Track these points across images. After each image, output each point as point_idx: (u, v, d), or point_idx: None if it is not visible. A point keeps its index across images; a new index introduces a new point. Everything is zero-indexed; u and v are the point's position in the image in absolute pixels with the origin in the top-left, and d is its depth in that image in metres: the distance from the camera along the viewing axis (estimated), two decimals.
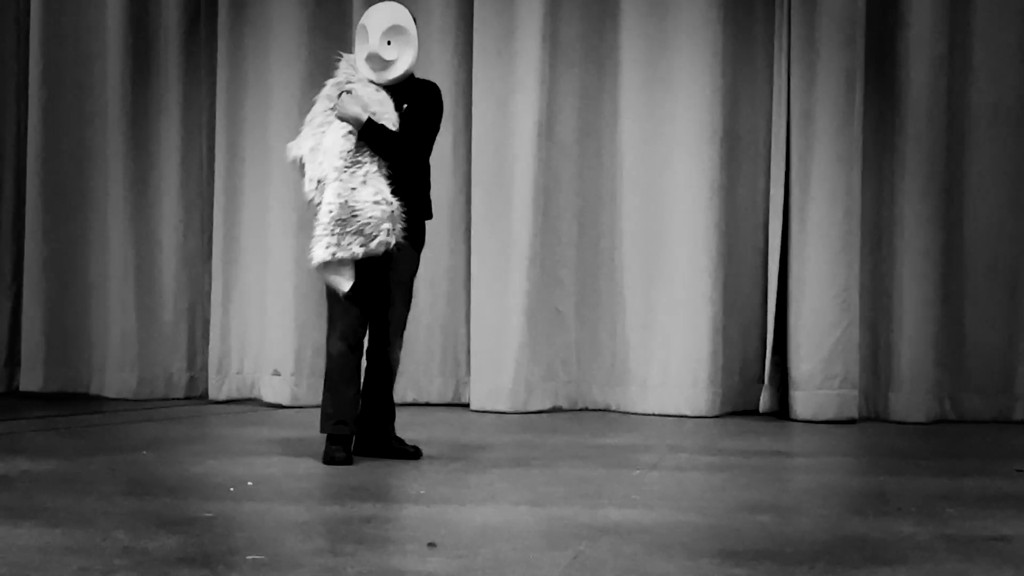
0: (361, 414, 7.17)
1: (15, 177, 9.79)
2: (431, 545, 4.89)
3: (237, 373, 9.55)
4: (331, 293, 7.00)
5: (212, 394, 9.52)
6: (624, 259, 9.22)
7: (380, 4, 7.08)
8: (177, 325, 9.65)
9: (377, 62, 6.89)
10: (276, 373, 9.34)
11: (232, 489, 6.07)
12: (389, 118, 6.86)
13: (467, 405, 9.27)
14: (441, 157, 9.46)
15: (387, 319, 7.08)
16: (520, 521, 5.49)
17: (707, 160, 9.08)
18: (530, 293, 9.18)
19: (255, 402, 9.36)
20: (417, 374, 9.44)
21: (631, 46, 9.20)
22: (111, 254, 9.60)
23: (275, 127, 9.42)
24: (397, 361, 7.18)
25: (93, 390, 9.63)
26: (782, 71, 9.09)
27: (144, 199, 9.60)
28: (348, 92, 6.89)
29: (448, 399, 9.43)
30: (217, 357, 9.55)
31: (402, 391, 9.39)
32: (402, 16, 6.97)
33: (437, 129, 7.05)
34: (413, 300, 7.21)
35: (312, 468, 6.88)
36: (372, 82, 6.94)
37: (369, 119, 6.81)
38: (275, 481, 6.41)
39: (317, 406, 9.14)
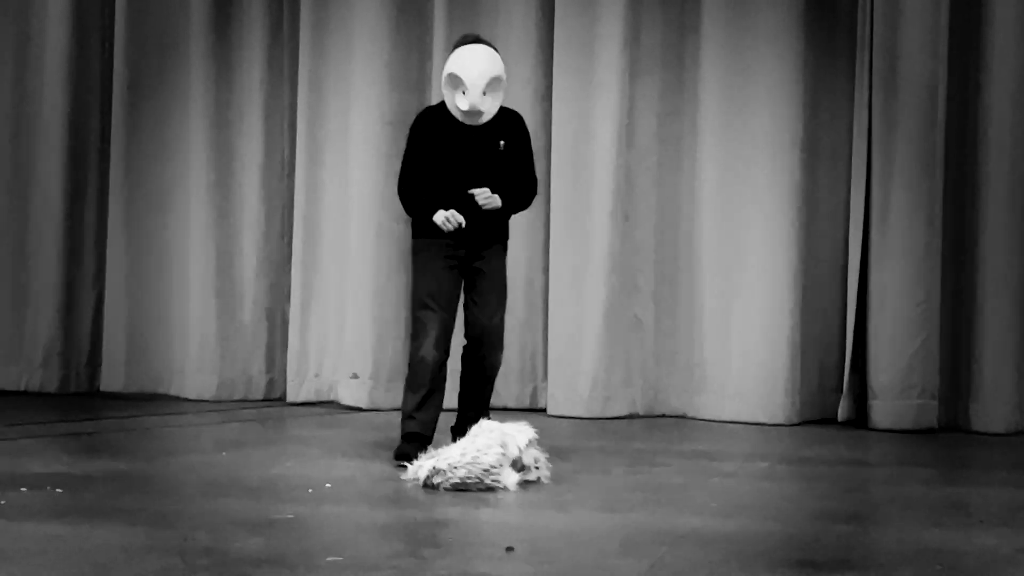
0: (457, 419, 7.24)
1: (98, 179, 9.87)
2: (509, 550, 4.90)
3: (315, 376, 9.59)
4: (419, 298, 7.03)
5: (290, 396, 9.56)
6: (703, 266, 9.20)
7: (472, 50, 7.06)
8: (257, 327, 9.70)
9: (476, 115, 6.98)
10: (354, 376, 9.38)
11: (311, 491, 6.10)
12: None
13: (544, 410, 9.27)
14: None
15: (484, 324, 7.12)
16: (598, 527, 5.50)
17: (787, 168, 9.04)
18: (608, 299, 9.17)
19: (333, 405, 9.40)
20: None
21: (711, 53, 9.17)
22: (192, 256, 9.66)
23: (356, 131, 9.45)
24: (496, 367, 7.23)
25: (173, 391, 9.70)
26: (863, 78, 9.03)
27: (226, 202, 9.66)
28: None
29: (525, 404, 9.43)
30: (296, 360, 9.59)
31: None
32: (498, 66, 7.03)
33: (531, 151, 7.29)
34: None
35: (390, 471, 6.90)
36: (449, 116, 7.04)
37: (504, 203, 7.04)
38: (353, 484, 6.44)
39: (395, 409, 9.17)
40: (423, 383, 7.03)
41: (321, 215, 9.57)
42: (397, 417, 8.91)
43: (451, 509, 5.77)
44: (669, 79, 9.29)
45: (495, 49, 7.14)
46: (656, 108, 9.29)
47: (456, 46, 7.16)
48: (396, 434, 8.24)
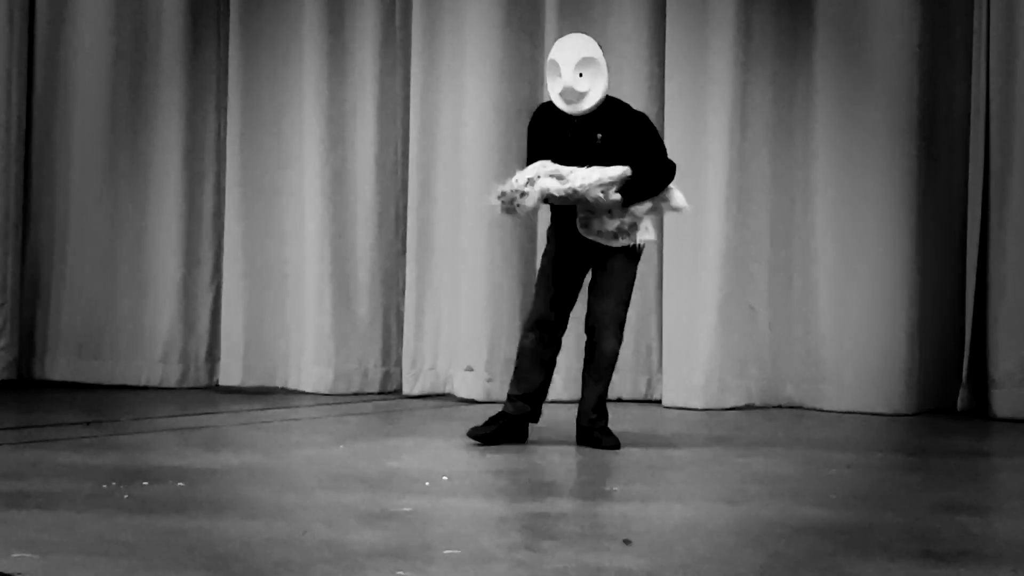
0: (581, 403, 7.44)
1: (215, 176, 9.97)
2: (626, 542, 4.90)
3: (431, 369, 9.62)
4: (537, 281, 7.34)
5: (406, 389, 9.61)
6: (818, 255, 9.13)
7: (567, 37, 7.40)
8: (372, 321, 9.75)
9: (572, 95, 7.16)
10: (469, 369, 9.40)
11: (428, 484, 6.13)
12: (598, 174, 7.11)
13: (659, 401, 9.25)
14: None
15: (598, 310, 7.29)
16: (715, 518, 5.48)
17: (903, 156, 8.95)
18: (723, 289, 9.13)
19: (449, 397, 9.44)
20: None
21: (826, 39, 9.09)
22: (307, 251, 9.73)
23: (469, 124, 9.47)
24: (606, 354, 7.34)
25: (290, 385, 9.77)
26: (980, 67, 8.92)
27: (340, 196, 9.71)
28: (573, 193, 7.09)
29: (640, 395, 9.41)
30: (411, 353, 9.63)
31: None
32: (591, 47, 7.23)
33: (655, 129, 7.49)
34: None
35: (506, 463, 6.92)
36: (560, 113, 7.23)
37: (622, 194, 7.12)
38: (470, 476, 6.46)
39: None
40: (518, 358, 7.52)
41: (435, 208, 9.60)
42: None
43: (567, 502, 5.77)
44: (782, 69, 9.22)
45: (595, 41, 7.32)
46: (769, 98, 9.22)
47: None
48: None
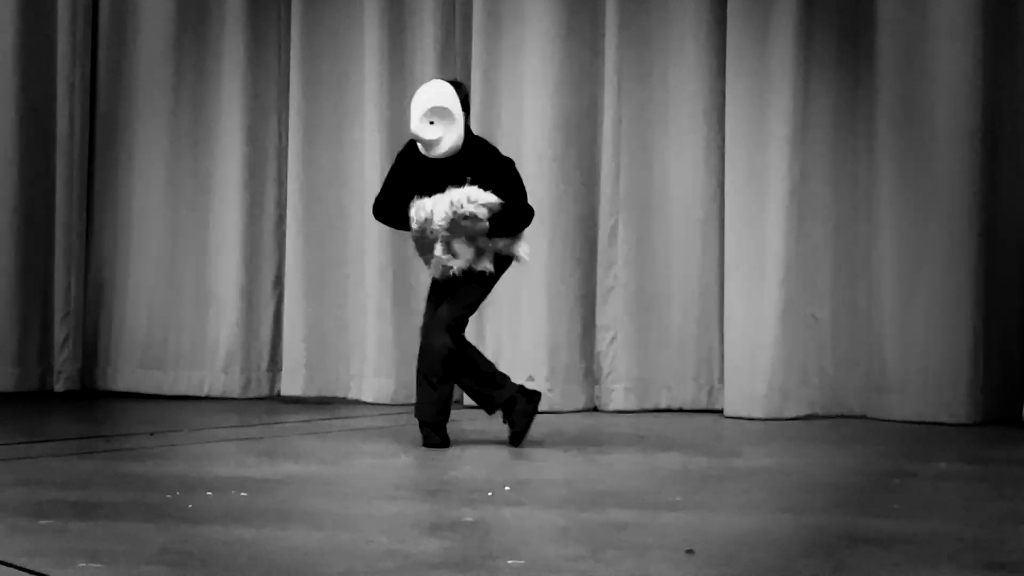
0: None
1: (277, 186, 10.01)
2: (689, 552, 4.88)
3: None
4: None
5: (467, 399, 9.60)
6: (882, 264, 9.07)
7: (426, 84, 7.72)
8: None
9: (422, 142, 7.50)
10: (530, 379, 9.39)
11: (490, 494, 6.13)
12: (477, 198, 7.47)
13: (721, 411, 9.22)
14: (694, 162, 9.43)
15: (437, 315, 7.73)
16: (779, 528, 5.45)
17: (967, 162, 8.88)
18: (784, 299, 9.09)
19: None
20: (670, 380, 9.41)
21: (887, 47, 9.04)
22: (368, 261, 9.75)
23: (529, 132, 9.46)
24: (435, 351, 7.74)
25: (351, 395, 9.79)
26: None
27: None
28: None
29: (702, 405, 9.39)
30: None
31: (655, 396, 9.38)
32: (444, 97, 7.50)
33: (519, 175, 7.73)
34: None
35: (568, 473, 6.92)
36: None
37: (489, 222, 7.48)
38: (533, 486, 6.46)
39: (573, 411, 9.23)
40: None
41: None
42: (574, 419, 8.98)
43: (630, 511, 5.76)
44: (843, 77, 9.18)
45: (455, 85, 7.64)
46: (831, 107, 9.18)
47: None
48: (573, 435, 8.27)
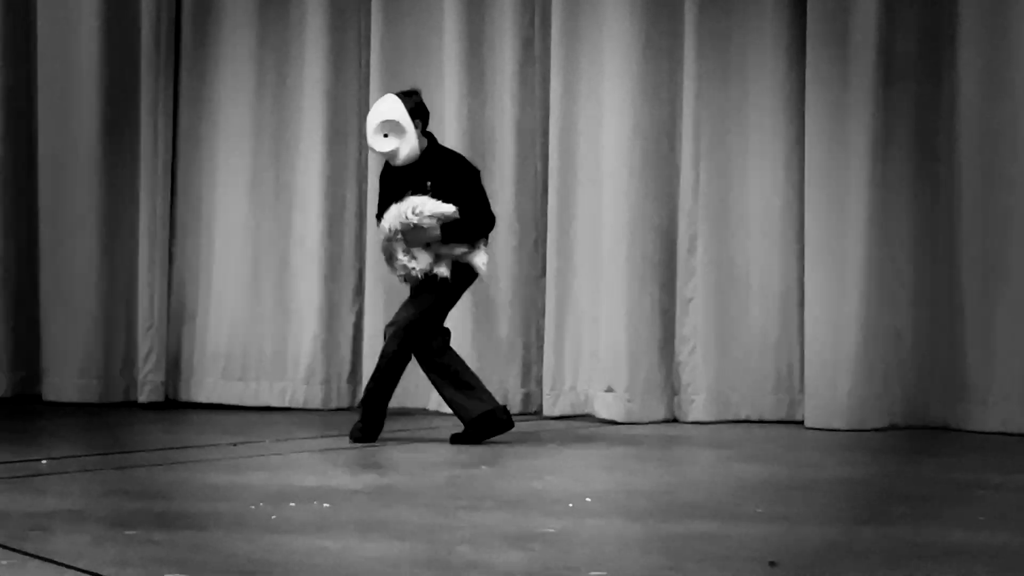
0: None
1: (356, 199, 10.06)
2: (772, 564, 4.87)
3: (571, 389, 9.62)
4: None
5: (547, 410, 9.61)
6: (963, 275, 9.01)
7: (378, 101, 8.35)
8: (512, 342, 9.77)
9: (386, 156, 8.12)
10: (610, 389, 9.40)
11: (571, 505, 6.14)
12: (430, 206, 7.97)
13: (801, 422, 9.18)
14: (774, 172, 9.41)
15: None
16: (861, 540, 5.43)
17: None
18: (864, 310, 9.04)
19: (589, 418, 9.43)
20: (750, 391, 9.39)
21: (969, 60, 8.98)
22: None
23: (607, 143, 9.47)
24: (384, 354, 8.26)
25: (431, 406, 9.81)
26: None
27: None
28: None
29: (782, 416, 9.35)
30: (551, 373, 9.64)
31: (735, 407, 9.36)
32: (392, 111, 8.11)
33: (481, 185, 8.27)
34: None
35: (649, 484, 6.92)
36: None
37: (441, 229, 7.95)
38: (613, 497, 6.47)
39: (653, 422, 9.22)
40: None
41: (574, 229, 9.61)
42: (653, 430, 8.98)
43: (711, 522, 5.75)
44: (925, 90, 9.12)
45: (408, 95, 8.25)
46: (912, 118, 9.13)
47: None
48: (653, 446, 8.27)
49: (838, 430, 8.95)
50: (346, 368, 10.03)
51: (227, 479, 6.84)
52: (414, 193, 8.03)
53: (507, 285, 9.79)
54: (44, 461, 7.45)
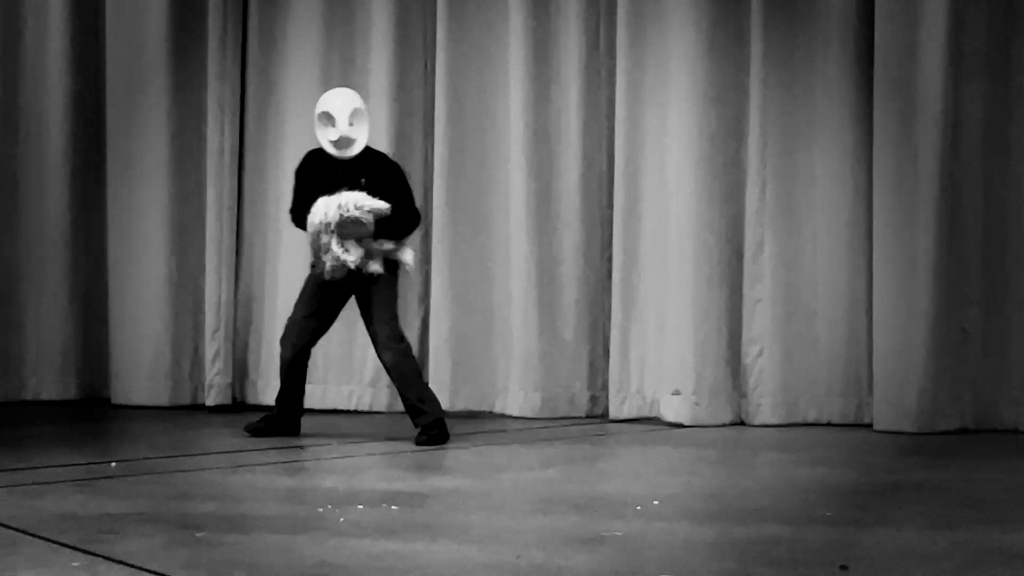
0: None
1: (421, 200, 10.02)
2: (843, 568, 4.85)
3: (637, 392, 9.60)
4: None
5: (613, 413, 9.60)
6: None
7: (336, 91, 8.66)
8: (579, 344, 9.76)
9: (345, 142, 8.36)
10: (676, 392, 9.38)
11: (639, 508, 6.13)
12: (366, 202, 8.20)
13: (870, 426, 9.13)
14: (841, 174, 9.35)
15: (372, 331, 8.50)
16: (931, 544, 5.40)
17: None
18: (934, 311, 8.98)
19: (656, 421, 9.40)
20: (818, 393, 9.34)
21: None
22: (513, 276, 9.78)
23: (673, 143, 9.44)
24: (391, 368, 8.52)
25: (497, 409, 9.83)
26: None
27: (545, 221, 9.75)
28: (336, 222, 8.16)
29: (850, 419, 9.29)
30: (618, 376, 9.62)
31: (803, 410, 9.32)
32: (359, 100, 8.51)
33: (408, 184, 8.60)
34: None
35: (717, 487, 6.89)
36: (326, 159, 8.40)
37: (376, 225, 8.19)
38: (680, 500, 6.45)
39: (720, 425, 9.19)
40: None
41: (640, 232, 9.59)
42: (720, 433, 8.95)
43: (780, 526, 5.73)
44: (994, 87, 9.06)
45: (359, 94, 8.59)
46: (981, 116, 9.07)
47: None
48: (721, 449, 8.25)
49: (907, 433, 8.90)
50: None
51: (295, 482, 6.87)
52: (349, 189, 8.24)
53: (573, 288, 9.78)
54: (114, 464, 7.50)
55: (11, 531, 5.50)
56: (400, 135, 10.04)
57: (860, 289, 9.31)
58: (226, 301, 10.13)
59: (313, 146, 8.68)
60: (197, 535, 5.43)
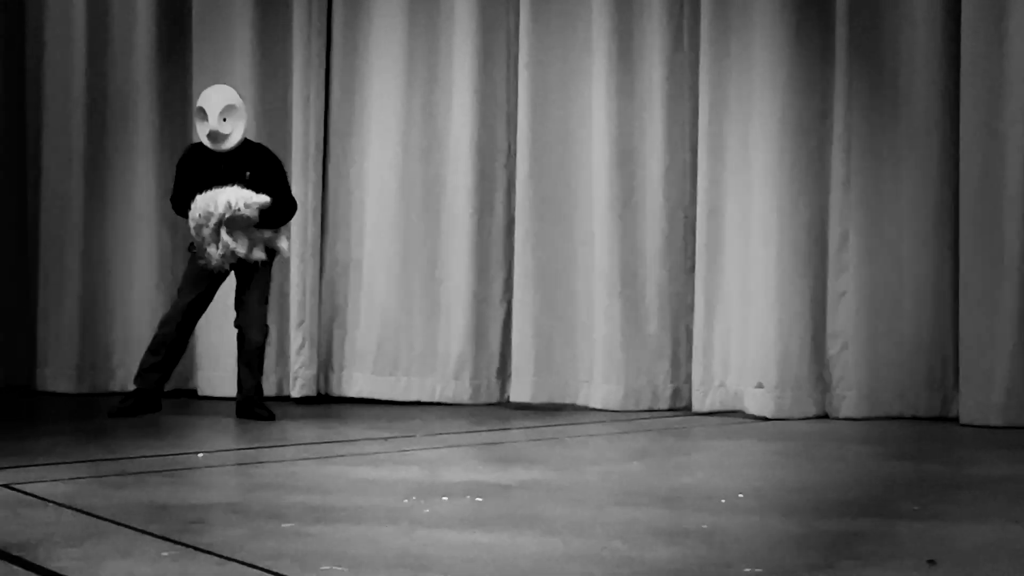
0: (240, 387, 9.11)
1: (506, 193, 10.08)
2: (931, 562, 4.82)
3: (720, 385, 9.57)
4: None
5: (696, 406, 9.57)
6: None
7: (213, 88, 9.07)
8: (661, 337, 9.75)
9: (217, 137, 8.80)
10: (759, 385, 9.34)
11: (723, 501, 6.11)
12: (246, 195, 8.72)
13: (956, 419, 9.06)
14: (926, 167, 9.28)
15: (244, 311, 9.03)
16: (1019, 539, 5.36)
17: None
18: (1022, 305, 8.90)
19: (739, 414, 9.38)
20: (903, 387, 9.28)
21: None
22: (596, 268, 9.77)
23: (757, 137, 9.41)
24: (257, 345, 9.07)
25: (580, 401, 9.83)
26: None
27: (628, 213, 9.73)
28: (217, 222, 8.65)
29: (936, 413, 9.23)
30: (700, 369, 9.60)
31: (888, 404, 9.26)
32: (233, 97, 8.93)
33: (287, 177, 9.21)
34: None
35: (801, 480, 6.86)
36: (208, 151, 8.85)
37: (261, 214, 8.72)
38: (765, 493, 6.43)
39: (804, 418, 9.15)
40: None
41: (723, 225, 9.56)
42: (805, 426, 8.91)
43: (866, 520, 5.70)
44: None
45: (236, 91, 9.07)
46: None
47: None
48: (805, 443, 8.21)
49: (994, 427, 8.83)
50: (495, 363, 10.06)
51: (380, 473, 6.90)
52: (232, 181, 8.73)
53: (655, 281, 9.76)
54: (201, 454, 7.57)
55: (100, 521, 5.56)
56: (484, 128, 10.05)
57: (945, 281, 9.24)
58: (311, 292, 10.18)
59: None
60: (283, 526, 5.47)
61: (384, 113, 10.18)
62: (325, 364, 10.25)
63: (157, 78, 10.47)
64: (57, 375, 10.47)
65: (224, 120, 8.80)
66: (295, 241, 10.10)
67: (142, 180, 10.37)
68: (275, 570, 4.69)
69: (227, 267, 8.80)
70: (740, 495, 6.26)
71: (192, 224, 8.74)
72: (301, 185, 10.11)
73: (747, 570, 4.73)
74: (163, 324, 9.05)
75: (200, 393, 10.21)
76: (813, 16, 9.40)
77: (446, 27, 10.12)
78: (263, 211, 8.73)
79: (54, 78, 10.56)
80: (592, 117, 9.83)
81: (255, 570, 4.71)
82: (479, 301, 10.03)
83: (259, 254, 8.83)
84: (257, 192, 8.76)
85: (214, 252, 8.69)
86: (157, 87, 10.47)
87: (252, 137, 9.66)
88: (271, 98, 10.26)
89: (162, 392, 9.12)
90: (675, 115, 9.76)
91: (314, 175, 10.20)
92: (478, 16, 10.04)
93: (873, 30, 9.28)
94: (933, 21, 9.26)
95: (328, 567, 4.74)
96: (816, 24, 9.40)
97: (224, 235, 8.65)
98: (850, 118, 9.30)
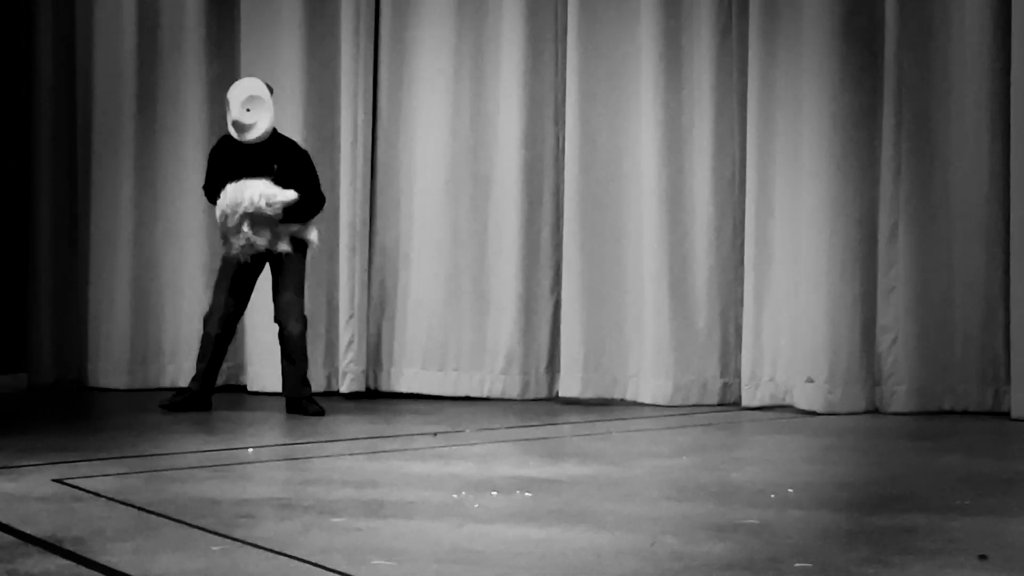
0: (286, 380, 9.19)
1: (554, 188, 10.08)
2: (982, 557, 4.80)
3: (770, 380, 9.55)
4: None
5: (746, 401, 9.56)
6: None
7: (240, 80, 9.29)
8: (710, 332, 9.73)
9: (241, 127, 8.88)
10: (810, 380, 9.31)
11: (773, 496, 6.10)
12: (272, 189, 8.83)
13: (1007, 414, 9.02)
14: (977, 162, 9.23)
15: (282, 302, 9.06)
16: None
17: None
18: None
19: (789, 409, 9.35)
20: (954, 381, 9.24)
21: None
22: (645, 263, 9.76)
23: (806, 133, 9.38)
24: (296, 338, 9.10)
25: (629, 396, 9.82)
26: None
27: (676, 208, 9.72)
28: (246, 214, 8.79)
29: (987, 407, 9.19)
30: (750, 364, 9.58)
31: (938, 398, 9.22)
32: (257, 88, 8.99)
33: (315, 173, 9.15)
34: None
35: (851, 475, 6.84)
36: (239, 143, 8.94)
37: (285, 210, 8.83)
38: (815, 488, 6.41)
39: (854, 413, 9.12)
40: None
41: (772, 219, 9.54)
42: (855, 421, 8.88)
43: (917, 515, 5.68)
44: None
45: (266, 84, 9.10)
46: None
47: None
48: (855, 437, 8.19)
49: None
50: (544, 358, 10.06)
51: (429, 468, 6.91)
52: (260, 172, 8.80)
53: (705, 276, 9.75)
54: (250, 450, 7.60)
55: (151, 515, 5.59)
56: (531, 123, 10.05)
57: (996, 275, 9.19)
58: (360, 287, 10.21)
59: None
60: (333, 520, 5.48)
61: (432, 108, 10.19)
62: (374, 359, 10.28)
63: (206, 75, 10.53)
64: (108, 371, 10.55)
65: (248, 111, 8.89)
66: (344, 232, 10.13)
67: (192, 178, 10.40)
68: (325, 565, 4.71)
69: (246, 259, 8.89)
70: (790, 490, 6.25)
71: (218, 212, 8.90)
72: (350, 178, 10.14)
73: (797, 565, 4.72)
74: (206, 322, 9.12)
75: (250, 389, 10.26)
76: (863, 9, 9.36)
77: (493, 21, 10.13)
78: (289, 206, 8.82)
79: (104, 77, 10.63)
80: (640, 110, 9.82)
81: (305, 564, 4.73)
82: (527, 295, 10.04)
83: (284, 246, 8.90)
84: (284, 185, 8.84)
85: (235, 242, 8.84)
86: (206, 84, 10.54)
87: (299, 131, 9.72)
88: (320, 92, 10.30)
89: (212, 391, 9.19)
90: (723, 107, 9.74)
91: (362, 169, 10.22)
92: (525, 10, 10.04)
93: (924, 23, 9.24)
94: (983, 17, 9.20)
95: (378, 562, 4.76)
96: (865, 17, 9.36)
97: (246, 227, 8.78)
98: (900, 110, 9.26)
